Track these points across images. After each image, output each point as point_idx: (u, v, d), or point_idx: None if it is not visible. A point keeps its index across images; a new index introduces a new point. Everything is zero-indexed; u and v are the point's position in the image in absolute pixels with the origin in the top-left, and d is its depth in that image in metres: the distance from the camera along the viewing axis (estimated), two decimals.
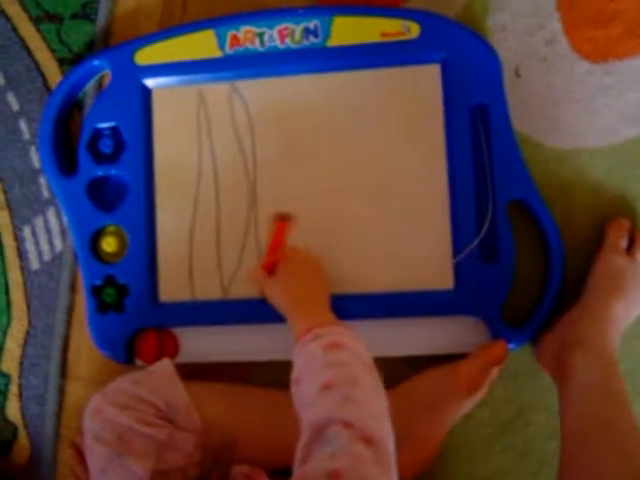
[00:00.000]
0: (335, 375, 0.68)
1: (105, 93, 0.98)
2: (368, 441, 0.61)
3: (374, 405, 0.66)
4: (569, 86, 0.93)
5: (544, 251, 0.92)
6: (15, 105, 1.02)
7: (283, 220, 0.92)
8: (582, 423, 0.77)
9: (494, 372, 0.87)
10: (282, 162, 0.94)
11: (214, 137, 0.96)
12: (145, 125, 0.96)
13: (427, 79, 0.92)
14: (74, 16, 1.01)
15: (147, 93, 0.97)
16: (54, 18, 1.01)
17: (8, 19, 1.02)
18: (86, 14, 1.01)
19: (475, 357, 0.87)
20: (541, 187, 0.90)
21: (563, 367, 0.84)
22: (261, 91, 0.95)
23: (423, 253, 0.91)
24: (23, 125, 1.02)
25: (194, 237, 0.95)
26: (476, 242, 0.89)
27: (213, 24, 0.95)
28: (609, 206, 0.92)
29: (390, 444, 0.63)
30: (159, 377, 0.85)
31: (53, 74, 1.02)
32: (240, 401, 0.89)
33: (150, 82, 0.97)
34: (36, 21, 1.02)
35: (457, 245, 0.90)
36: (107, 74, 0.99)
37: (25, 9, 1.02)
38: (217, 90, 0.96)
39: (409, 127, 0.92)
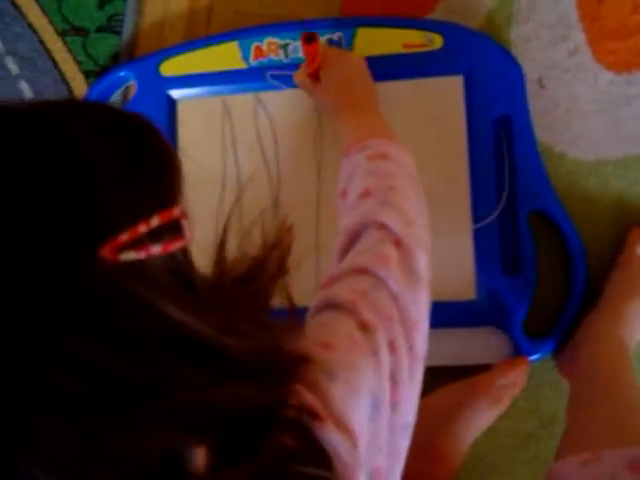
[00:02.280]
0: (375, 182, 0.67)
1: (131, 104, 0.99)
2: (398, 244, 0.61)
3: (411, 212, 0.66)
4: (593, 97, 0.92)
5: (567, 262, 0.91)
6: None
7: (310, 39, 0.85)
8: (586, 405, 0.78)
9: (516, 388, 0.87)
10: (305, 173, 0.95)
11: (238, 148, 0.97)
12: (170, 136, 0.97)
13: (450, 90, 0.92)
14: (100, 29, 1.02)
15: (172, 104, 0.98)
16: (80, 31, 1.03)
17: (35, 32, 1.03)
18: (111, 27, 1.02)
19: (496, 372, 0.87)
20: (564, 198, 0.90)
21: (574, 363, 0.85)
22: (285, 102, 0.96)
23: (445, 264, 0.91)
24: None
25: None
26: (495, 214, 0.89)
27: (237, 36, 0.96)
28: (633, 217, 0.91)
29: (419, 254, 0.62)
30: None
31: (79, 86, 1.03)
32: None
33: (175, 93, 0.98)
34: (62, 34, 1.03)
35: (479, 255, 0.90)
36: (133, 85, 1.00)
37: (52, 22, 1.03)
38: (241, 101, 0.97)
39: (432, 138, 0.92)
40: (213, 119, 0.97)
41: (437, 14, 0.96)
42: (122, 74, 1.00)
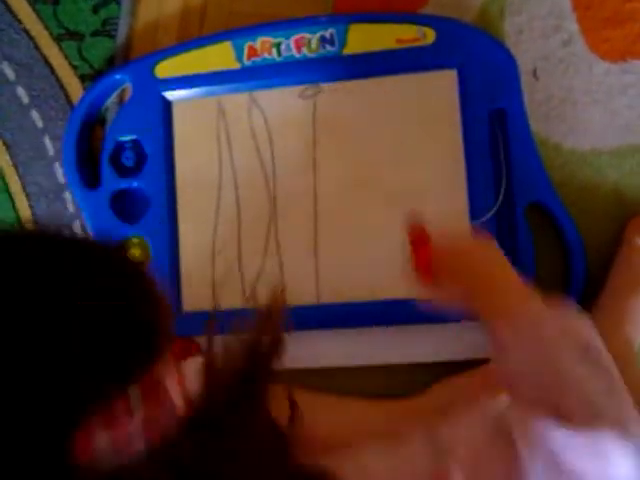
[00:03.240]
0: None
1: (126, 107, 0.99)
2: None
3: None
4: (587, 87, 0.92)
5: (565, 254, 0.91)
6: (39, 122, 1.04)
7: (421, 242, 0.75)
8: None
9: None
10: (301, 170, 0.95)
11: (234, 148, 0.97)
12: (166, 137, 0.98)
13: (444, 85, 0.92)
14: (95, 33, 1.03)
15: (167, 105, 0.98)
16: (75, 35, 1.03)
17: (31, 38, 1.04)
18: (106, 30, 1.03)
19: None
20: (560, 189, 0.89)
21: None
22: (279, 101, 0.96)
23: None
24: (47, 142, 1.04)
25: (216, 247, 0.96)
26: (493, 211, 0.89)
27: (230, 36, 0.96)
28: (629, 207, 0.90)
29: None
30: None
31: (75, 90, 1.04)
32: None
33: (170, 94, 0.98)
34: (58, 39, 1.04)
35: None
36: (128, 88, 1.00)
37: (47, 28, 1.04)
38: (236, 101, 0.97)
39: (427, 133, 0.92)
40: (208, 120, 0.97)
41: (429, 8, 0.95)
42: (117, 77, 1.00)
